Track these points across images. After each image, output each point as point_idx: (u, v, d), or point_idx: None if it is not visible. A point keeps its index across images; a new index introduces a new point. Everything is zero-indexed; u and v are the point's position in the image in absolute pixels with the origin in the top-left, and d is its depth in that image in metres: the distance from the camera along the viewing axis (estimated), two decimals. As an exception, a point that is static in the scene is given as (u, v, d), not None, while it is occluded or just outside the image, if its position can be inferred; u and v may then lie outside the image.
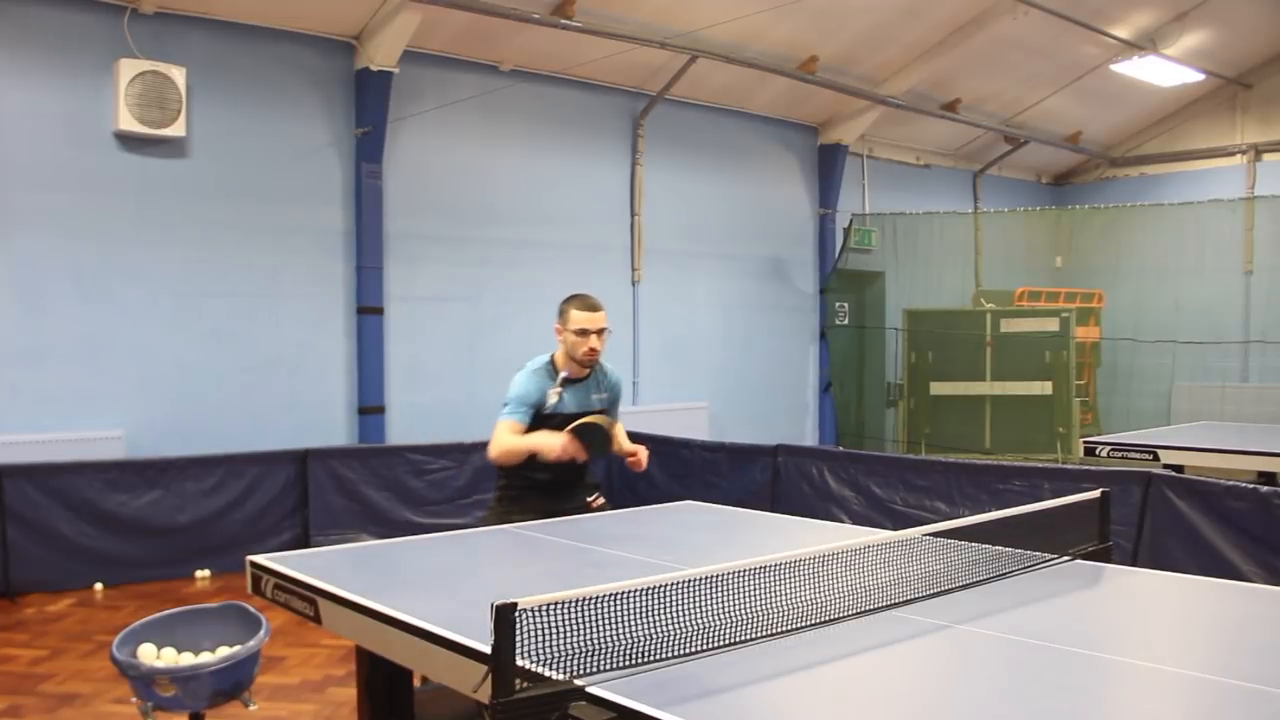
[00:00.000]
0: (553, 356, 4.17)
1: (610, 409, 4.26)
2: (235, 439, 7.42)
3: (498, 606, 1.95)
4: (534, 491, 4.04)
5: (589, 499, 4.19)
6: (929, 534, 2.94)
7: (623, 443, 4.22)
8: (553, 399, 4.07)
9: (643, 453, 4.16)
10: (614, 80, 9.83)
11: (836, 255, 12.01)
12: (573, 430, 3.86)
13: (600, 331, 4.07)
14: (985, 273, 13.00)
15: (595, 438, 3.90)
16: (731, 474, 7.57)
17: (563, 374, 4.10)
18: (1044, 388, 11.25)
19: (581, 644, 2.05)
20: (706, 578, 2.35)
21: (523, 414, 4.03)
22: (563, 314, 4.12)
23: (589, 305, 4.10)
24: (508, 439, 3.98)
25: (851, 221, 12.06)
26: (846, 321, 12.29)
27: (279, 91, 7.95)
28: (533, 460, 3.93)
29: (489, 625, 1.95)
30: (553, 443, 3.85)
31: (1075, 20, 10.59)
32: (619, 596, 2.17)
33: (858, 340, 12.35)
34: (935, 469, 6.56)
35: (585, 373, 4.17)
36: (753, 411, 11.13)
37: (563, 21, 8.44)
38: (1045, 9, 10.19)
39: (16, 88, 6.88)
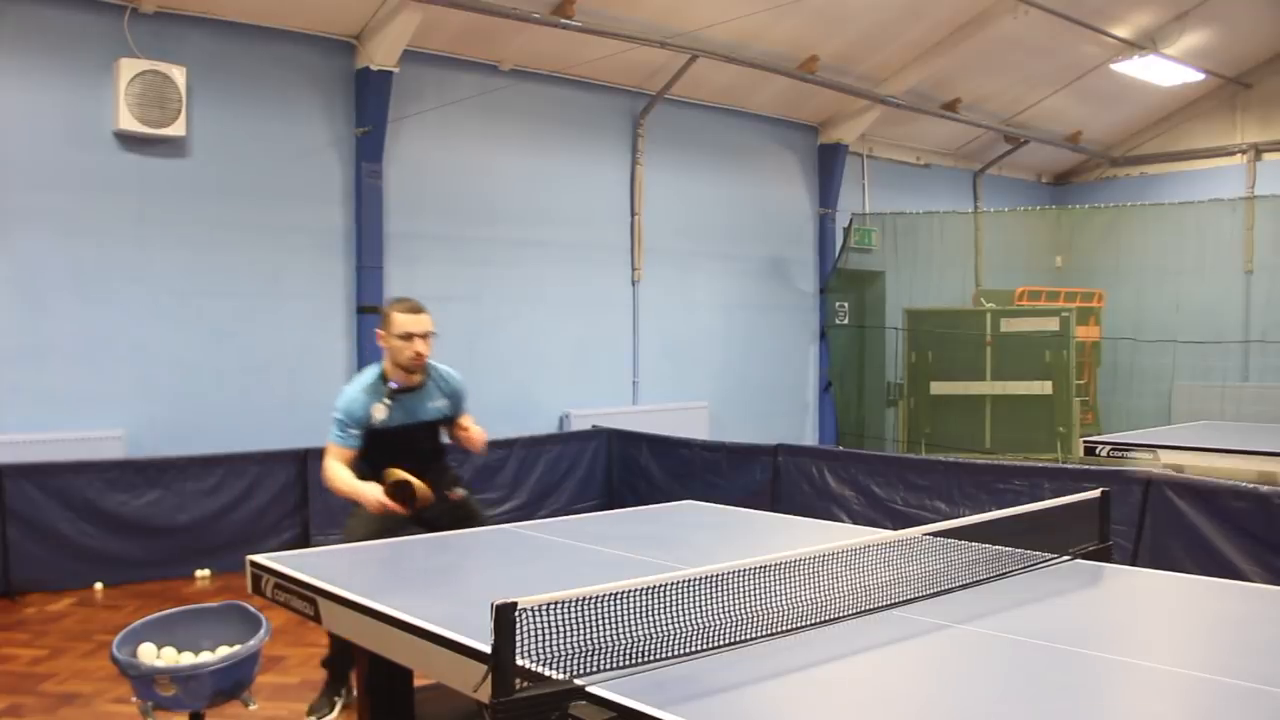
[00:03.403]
0: (383, 368, 4.03)
1: (457, 413, 4.18)
2: (235, 439, 7.41)
3: (498, 606, 1.95)
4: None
5: (448, 493, 4.09)
6: (929, 534, 2.94)
7: (463, 423, 4.13)
8: (380, 414, 3.93)
9: (475, 432, 4.06)
10: (614, 80, 9.82)
11: (836, 255, 12.00)
12: (389, 490, 3.75)
13: (426, 335, 3.95)
14: (985, 272, 12.98)
15: (407, 494, 3.78)
16: (731, 474, 7.57)
17: (391, 385, 3.96)
18: (1044, 387, 11.24)
19: (581, 644, 2.05)
20: (706, 578, 2.35)
21: (348, 436, 3.91)
22: (386, 319, 3.97)
23: (412, 308, 3.99)
24: (331, 473, 3.88)
25: (851, 221, 12.05)
26: (846, 321, 12.28)
27: (279, 91, 7.95)
28: (388, 460, 3.82)
29: (489, 625, 1.95)
30: (370, 498, 3.73)
31: (1075, 20, 10.58)
32: (619, 596, 2.17)
33: (858, 340, 12.34)
34: (935, 469, 6.56)
35: (416, 380, 4.02)
36: (753, 411, 11.12)
37: (563, 21, 8.43)
38: (1045, 9, 10.19)
39: (16, 88, 6.87)
